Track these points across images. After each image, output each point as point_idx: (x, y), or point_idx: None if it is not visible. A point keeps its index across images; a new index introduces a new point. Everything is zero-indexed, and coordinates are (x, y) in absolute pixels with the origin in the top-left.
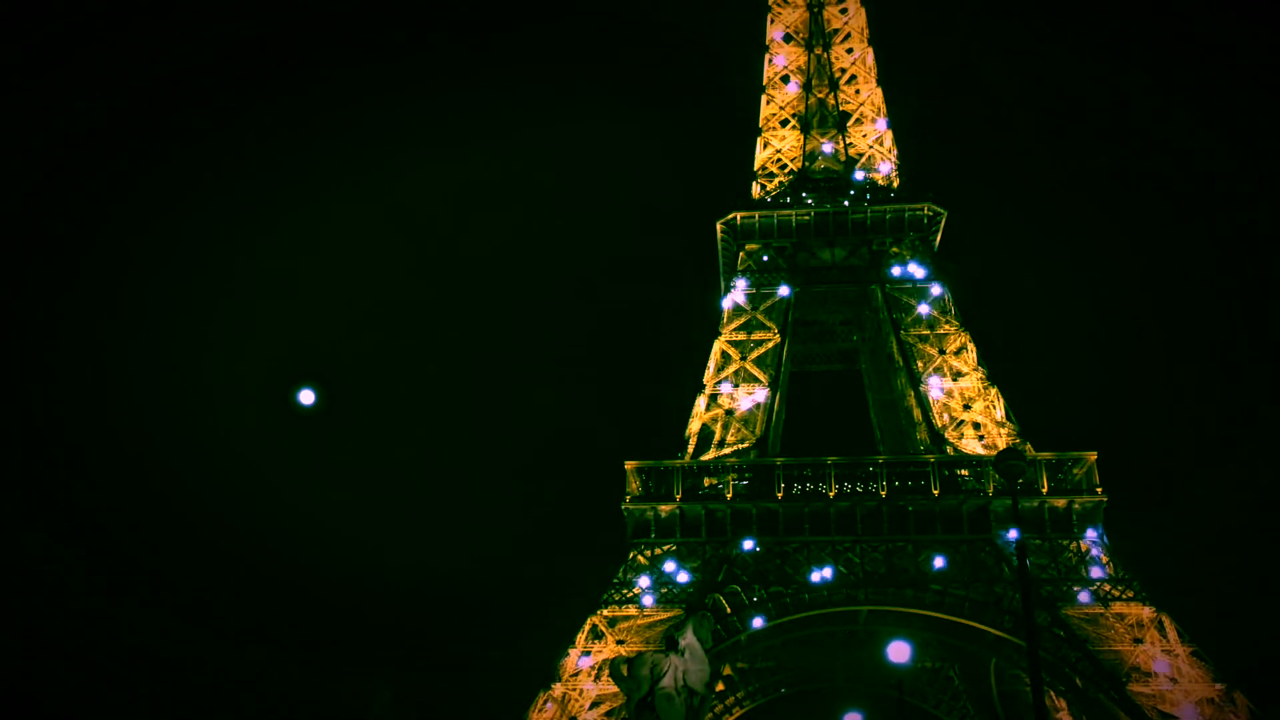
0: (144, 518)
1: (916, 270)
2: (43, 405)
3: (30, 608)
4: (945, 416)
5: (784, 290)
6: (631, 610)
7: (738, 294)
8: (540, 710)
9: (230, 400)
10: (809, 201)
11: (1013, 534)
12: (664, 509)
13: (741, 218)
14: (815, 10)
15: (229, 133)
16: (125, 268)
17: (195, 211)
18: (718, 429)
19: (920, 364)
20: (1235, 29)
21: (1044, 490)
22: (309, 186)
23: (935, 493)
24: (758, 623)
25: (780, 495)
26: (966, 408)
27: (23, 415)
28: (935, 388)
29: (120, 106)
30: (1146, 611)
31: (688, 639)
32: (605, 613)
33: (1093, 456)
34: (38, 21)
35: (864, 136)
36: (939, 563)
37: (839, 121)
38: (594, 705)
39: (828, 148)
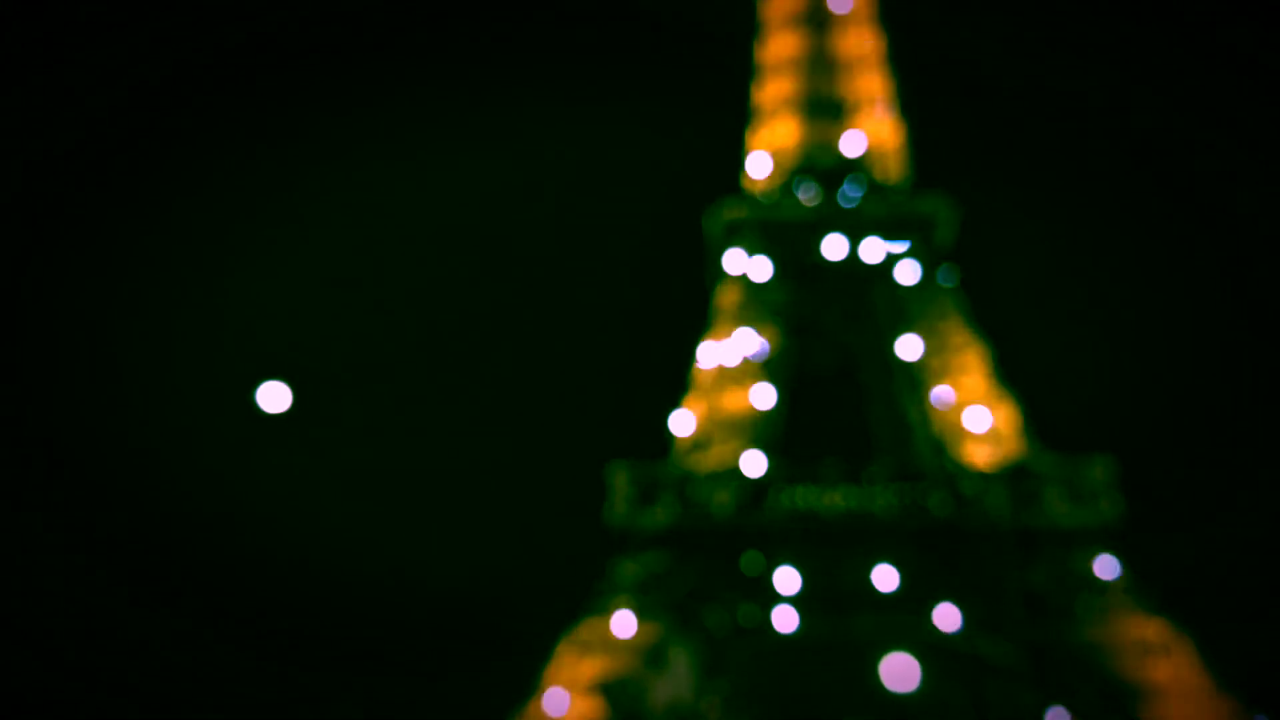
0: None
1: (922, 269)
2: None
3: (28, 609)
4: (949, 424)
5: (778, 289)
6: (614, 625)
7: (729, 292)
8: None
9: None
10: (806, 196)
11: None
12: (650, 518)
13: (733, 212)
14: None
15: (231, 132)
16: (127, 265)
17: (199, 211)
18: (708, 434)
19: (924, 368)
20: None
21: (1053, 500)
22: (310, 188)
23: (937, 505)
24: (748, 638)
25: (773, 505)
26: (972, 414)
27: (21, 416)
28: (939, 393)
29: (120, 106)
30: (1163, 630)
31: (674, 657)
32: (586, 627)
33: (1107, 464)
34: (37, 21)
35: (868, 127)
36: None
37: (840, 110)
38: None
39: (827, 138)
